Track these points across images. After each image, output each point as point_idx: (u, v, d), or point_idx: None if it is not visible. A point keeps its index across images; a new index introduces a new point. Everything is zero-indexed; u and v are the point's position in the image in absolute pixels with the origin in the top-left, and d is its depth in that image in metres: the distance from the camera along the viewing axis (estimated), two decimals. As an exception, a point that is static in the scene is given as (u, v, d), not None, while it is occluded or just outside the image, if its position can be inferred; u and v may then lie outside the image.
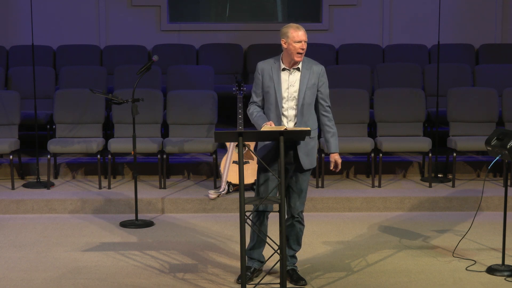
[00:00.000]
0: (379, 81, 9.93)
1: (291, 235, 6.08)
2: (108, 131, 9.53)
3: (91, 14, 11.17)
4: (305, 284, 5.99)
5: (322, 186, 8.54)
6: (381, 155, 8.58)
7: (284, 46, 5.83)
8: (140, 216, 7.82)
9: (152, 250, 6.87)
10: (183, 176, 9.04)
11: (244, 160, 7.70)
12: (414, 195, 8.24)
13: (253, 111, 5.96)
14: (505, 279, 6.13)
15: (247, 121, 9.28)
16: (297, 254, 6.20)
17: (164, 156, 8.57)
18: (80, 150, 8.63)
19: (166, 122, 8.99)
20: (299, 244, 6.15)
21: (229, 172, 8.26)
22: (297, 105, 5.86)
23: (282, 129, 5.58)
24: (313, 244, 7.02)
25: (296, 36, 5.77)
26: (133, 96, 7.73)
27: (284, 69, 5.87)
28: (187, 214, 8.08)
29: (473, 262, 6.49)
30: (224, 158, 8.35)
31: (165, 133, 9.23)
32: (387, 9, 11.27)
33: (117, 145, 8.61)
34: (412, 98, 8.94)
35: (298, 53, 5.78)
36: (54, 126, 9.04)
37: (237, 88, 8.59)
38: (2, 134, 8.78)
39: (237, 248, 6.61)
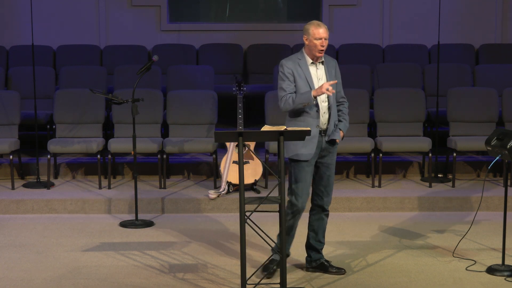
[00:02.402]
0: (379, 81, 9.93)
1: (320, 229, 6.19)
2: (108, 131, 9.53)
3: (91, 14, 11.17)
4: (344, 272, 6.17)
5: (322, 186, 8.53)
6: (381, 155, 8.58)
7: (306, 42, 5.93)
8: (140, 216, 7.82)
9: (152, 250, 6.87)
10: (183, 176, 9.04)
11: (244, 160, 7.69)
12: (414, 195, 8.24)
13: (291, 96, 5.89)
14: (505, 279, 6.13)
15: (247, 121, 9.32)
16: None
17: (164, 156, 8.57)
18: (80, 150, 8.63)
19: (166, 122, 8.99)
20: (324, 236, 6.26)
21: (229, 172, 8.26)
22: (328, 97, 5.95)
23: (282, 129, 5.58)
24: (313, 244, 7.02)
25: (317, 33, 5.86)
26: (133, 96, 7.73)
27: (312, 64, 5.96)
28: (187, 214, 8.08)
29: (473, 262, 6.49)
30: (224, 158, 8.35)
31: (165, 133, 9.23)
32: (387, 9, 11.27)
33: (117, 145, 8.61)
34: (412, 98, 8.94)
35: (319, 50, 5.88)
36: (54, 126, 9.04)
37: (237, 88, 8.60)
38: (2, 134, 8.78)
39: (237, 248, 6.60)
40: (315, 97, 5.81)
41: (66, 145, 8.63)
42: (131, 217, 7.86)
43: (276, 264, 6.09)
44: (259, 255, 6.63)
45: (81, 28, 11.14)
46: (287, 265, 5.81)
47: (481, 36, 11.22)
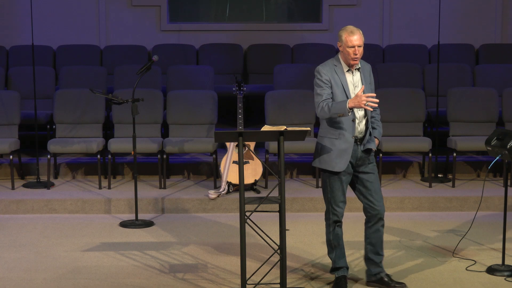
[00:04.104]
0: (379, 81, 9.93)
1: (377, 241, 5.90)
2: (108, 131, 9.53)
3: (91, 14, 11.17)
4: (405, 286, 5.92)
5: (322, 186, 8.53)
6: (381, 155, 8.58)
7: (340, 49, 5.72)
8: (140, 216, 7.82)
9: (152, 250, 6.87)
10: (183, 176, 9.04)
11: (244, 160, 7.69)
12: (414, 195, 8.24)
13: (327, 103, 5.63)
14: (505, 279, 6.13)
15: (247, 121, 9.32)
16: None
17: (164, 156, 8.57)
18: (80, 150, 8.63)
19: (166, 122, 8.99)
20: (383, 248, 5.97)
21: (229, 172, 8.27)
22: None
23: (282, 129, 5.58)
24: (313, 244, 7.02)
25: (349, 41, 5.62)
26: (133, 96, 7.73)
27: (348, 70, 5.75)
28: (187, 214, 8.08)
29: (473, 262, 6.49)
30: (224, 158, 8.35)
31: (165, 133, 9.23)
32: (387, 9, 11.27)
33: (117, 145, 8.61)
34: (412, 98, 8.94)
35: (352, 58, 5.66)
36: (54, 126, 9.04)
37: (237, 88, 8.60)
38: (2, 134, 8.78)
39: (237, 248, 6.60)
40: (351, 109, 5.55)
41: (66, 145, 8.63)
42: (131, 217, 7.86)
43: (344, 280, 5.92)
44: (259, 255, 6.63)
45: (81, 28, 11.14)
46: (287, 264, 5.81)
47: (481, 36, 11.22)
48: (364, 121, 5.77)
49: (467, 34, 11.23)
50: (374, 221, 5.87)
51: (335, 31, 11.21)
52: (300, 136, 5.65)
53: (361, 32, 5.69)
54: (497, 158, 6.21)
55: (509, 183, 8.41)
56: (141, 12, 11.23)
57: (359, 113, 5.74)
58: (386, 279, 5.89)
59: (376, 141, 5.87)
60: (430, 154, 8.62)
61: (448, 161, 8.94)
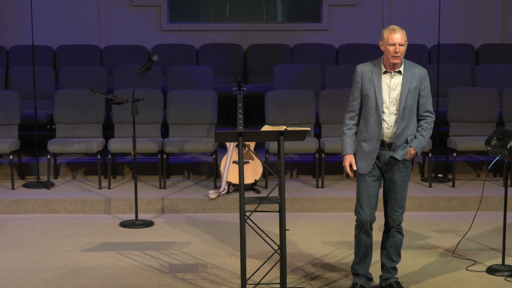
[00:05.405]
0: (379, 81, 9.91)
1: (391, 246, 5.80)
2: (108, 131, 9.53)
3: (91, 14, 11.17)
4: None
5: (322, 186, 8.54)
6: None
7: (381, 48, 5.63)
8: (140, 216, 7.82)
9: (152, 250, 6.87)
10: (183, 176, 9.04)
11: (244, 160, 7.69)
12: (414, 195, 8.24)
13: (347, 131, 5.69)
14: (505, 279, 6.13)
15: (247, 121, 9.32)
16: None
17: (164, 156, 8.57)
18: (80, 150, 8.63)
19: (166, 122, 8.99)
20: (399, 255, 5.86)
21: (229, 172, 8.27)
22: (398, 109, 5.56)
23: (282, 129, 5.58)
24: (313, 244, 7.02)
25: (390, 38, 5.52)
26: (133, 96, 7.73)
27: (385, 72, 5.62)
28: (187, 214, 8.08)
29: (473, 262, 6.49)
30: (224, 158, 8.35)
31: (165, 133, 9.23)
32: (387, 9, 11.27)
33: (117, 145, 8.61)
34: (412, 98, 8.93)
35: (393, 56, 5.54)
36: (54, 126, 9.04)
37: (237, 88, 8.60)
38: (2, 134, 8.78)
39: (237, 248, 6.60)
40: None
41: (66, 145, 8.63)
42: (131, 217, 7.86)
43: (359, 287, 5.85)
44: (259, 255, 6.64)
45: (81, 28, 11.14)
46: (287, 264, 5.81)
47: (481, 36, 11.22)
48: (396, 127, 5.59)
49: (467, 34, 11.23)
50: (387, 227, 5.85)
51: (335, 31, 11.22)
52: (300, 136, 5.65)
53: (404, 32, 5.59)
54: (497, 158, 6.21)
55: (509, 183, 8.41)
56: (141, 12, 11.23)
57: (390, 117, 5.59)
58: (395, 285, 5.81)
59: (412, 151, 5.61)
60: (430, 154, 8.62)
61: (448, 161, 8.94)
